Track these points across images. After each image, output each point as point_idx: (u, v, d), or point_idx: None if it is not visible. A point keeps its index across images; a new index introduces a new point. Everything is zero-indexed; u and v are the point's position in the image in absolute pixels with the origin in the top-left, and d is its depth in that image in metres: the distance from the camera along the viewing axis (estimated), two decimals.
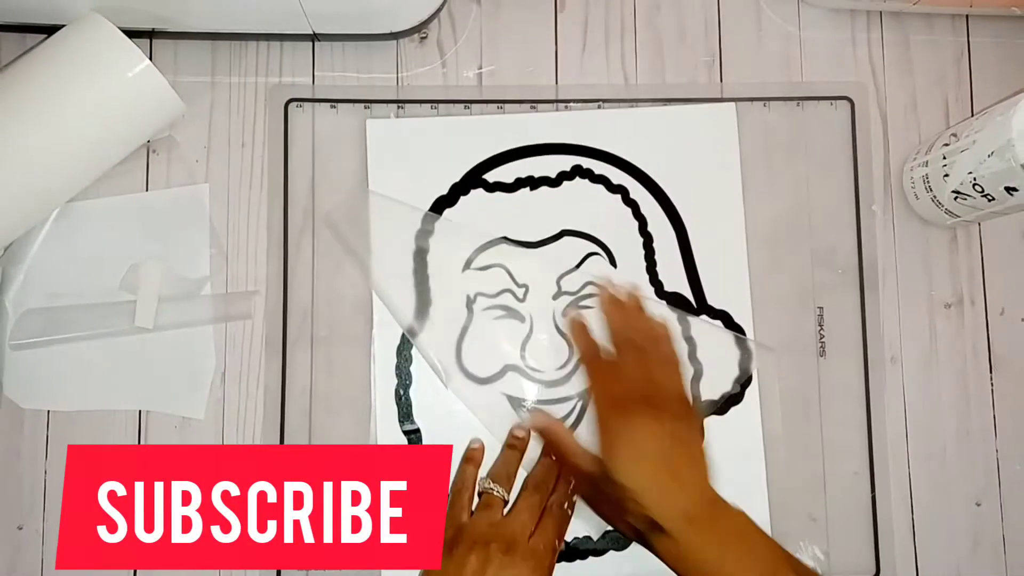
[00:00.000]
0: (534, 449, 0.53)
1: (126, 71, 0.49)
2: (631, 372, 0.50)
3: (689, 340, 0.55)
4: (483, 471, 0.52)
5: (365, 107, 0.57)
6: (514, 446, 0.52)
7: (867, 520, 0.55)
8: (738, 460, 0.54)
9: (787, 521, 0.54)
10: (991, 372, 0.57)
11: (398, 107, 0.57)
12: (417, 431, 0.54)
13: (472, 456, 0.52)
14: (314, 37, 0.57)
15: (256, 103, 0.57)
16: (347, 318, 0.55)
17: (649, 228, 0.56)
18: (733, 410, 0.55)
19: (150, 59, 0.49)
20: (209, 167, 0.56)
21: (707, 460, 0.47)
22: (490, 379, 0.54)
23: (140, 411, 0.54)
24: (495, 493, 0.50)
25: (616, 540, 0.53)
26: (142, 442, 0.54)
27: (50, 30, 0.51)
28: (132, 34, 0.49)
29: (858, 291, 0.57)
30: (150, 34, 0.56)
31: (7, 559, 0.53)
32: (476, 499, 0.51)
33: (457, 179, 0.56)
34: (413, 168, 0.56)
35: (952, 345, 0.57)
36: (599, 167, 0.56)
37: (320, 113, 0.57)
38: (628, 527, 0.47)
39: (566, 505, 0.50)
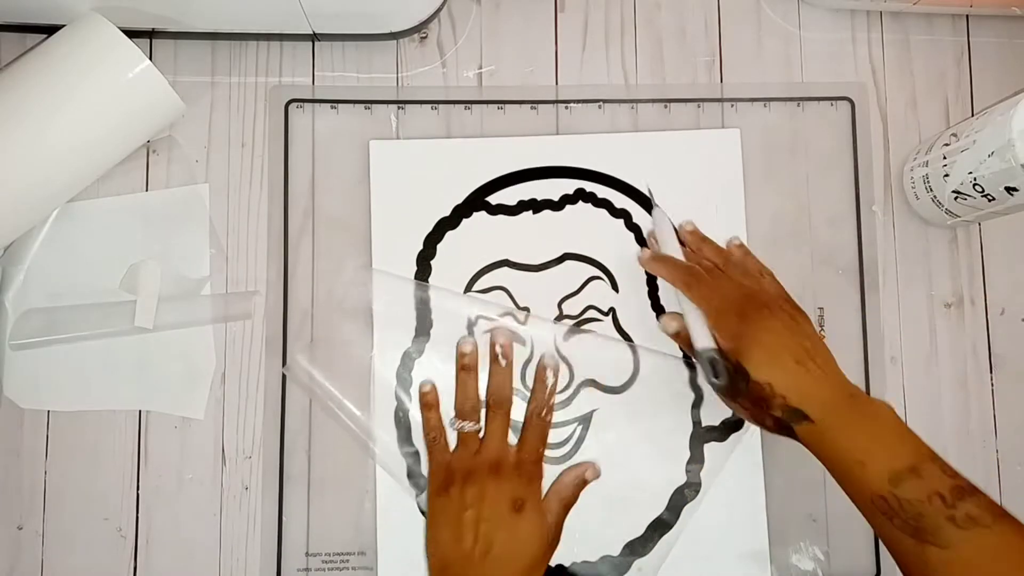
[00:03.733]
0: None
1: (126, 71, 0.49)
2: (725, 285, 0.51)
3: (690, 366, 0.55)
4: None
5: (366, 107, 0.57)
6: (466, 367, 0.53)
7: None
8: (736, 483, 0.54)
9: (787, 521, 0.54)
10: (991, 372, 0.57)
11: (398, 107, 0.57)
12: (416, 453, 0.54)
13: (428, 401, 0.53)
14: (314, 37, 0.57)
15: (256, 103, 0.57)
16: (347, 319, 0.55)
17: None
18: (733, 436, 0.54)
19: (150, 59, 0.49)
20: (209, 167, 0.56)
21: (830, 352, 0.49)
22: None
23: (140, 411, 0.54)
24: (467, 429, 0.52)
25: (615, 566, 0.53)
26: (142, 442, 0.54)
27: (50, 30, 0.51)
28: (132, 34, 0.49)
29: (858, 291, 0.57)
30: (150, 34, 0.56)
31: (7, 559, 0.53)
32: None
33: (460, 201, 0.56)
34: (416, 189, 0.56)
35: (952, 345, 0.57)
36: (602, 191, 0.56)
37: (320, 113, 0.57)
38: (771, 420, 0.48)
39: (544, 413, 0.52)
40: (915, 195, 0.57)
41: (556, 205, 0.56)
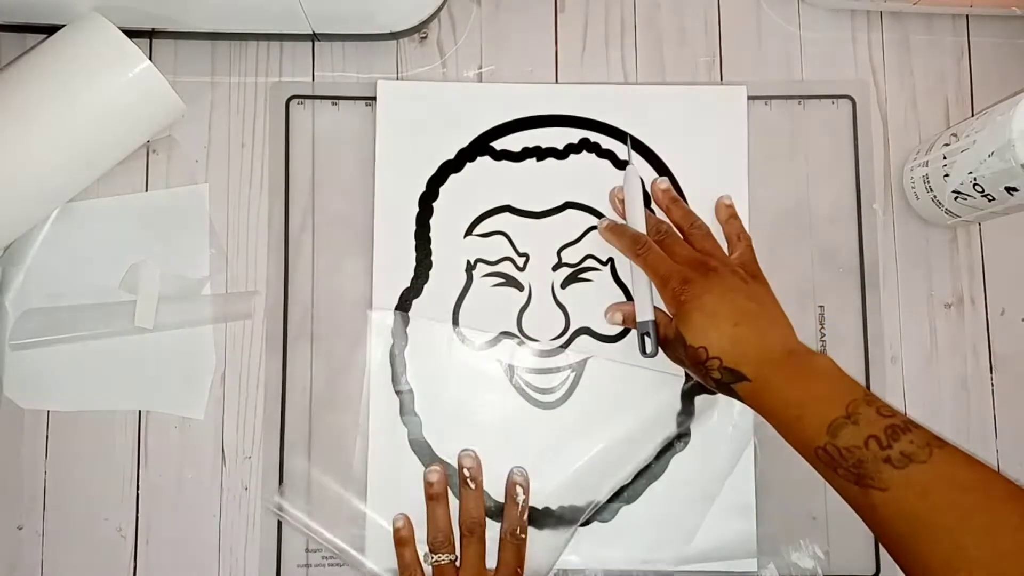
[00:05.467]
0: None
1: (126, 71, 0.49)
2: (678, 252, 0.51)
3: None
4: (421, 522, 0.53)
5: (367, 104, 0.57)
6: (434, 496, 0.52)
7: None
8: (725, 435, 0.54)
9: (787, 521, 0.54)
10: (991, 372, 0.57)
11: None
12: (410, 391, 0.54)
13: (401, 537, 0.52)
14: (314, 37, 0.57)
15: (256, 103, 0.57)
16: (347, 318, 0.55)
17: (652, 206, 0.56)
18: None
19: (150, 59, 0.49)
20: (209, 167, 0.56)
21: (783, 314, 0.49)
22: (485, 345, 0.55)
23: (140, 411, 0.54)
24: (443, 562, 0.51)
25: (602, 511, 0.53)
26: (142, 442, 0.54)
27: (50, 30, 0.51)
28: (132, 34, 0.49)
29: (859, 290, 0.57)
30: (150, 34, 0.56)
31: (7, 559, 0.53)
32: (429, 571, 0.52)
33: (465, 145, 0.56)
34: (421, 131, 0.56)
35: (952, 345, 0.57)
36: (607, 142, 0.56)
37: (321, 110, 0.57)
38: (712, 382, 0.47)
39: (518, 531, 0.51)
40: (915, 195, 0.57)
41: (560, 153, 0.56)
